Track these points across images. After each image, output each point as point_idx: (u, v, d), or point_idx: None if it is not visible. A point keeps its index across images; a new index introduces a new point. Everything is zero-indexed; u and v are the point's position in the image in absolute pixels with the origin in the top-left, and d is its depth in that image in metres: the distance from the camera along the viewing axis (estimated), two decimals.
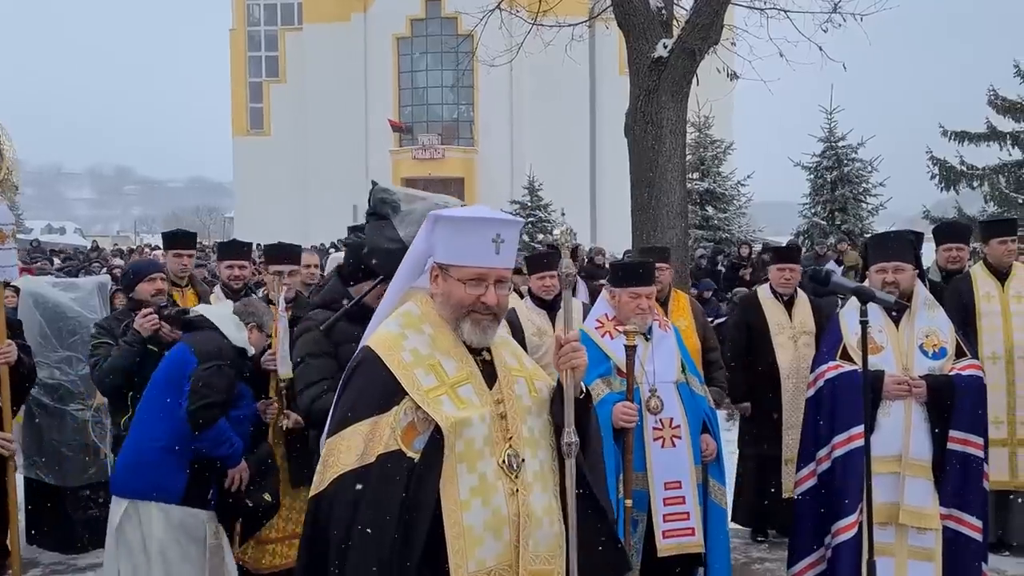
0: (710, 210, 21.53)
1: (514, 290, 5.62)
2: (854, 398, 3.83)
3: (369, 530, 2.13)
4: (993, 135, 20.76)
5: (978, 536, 3.88)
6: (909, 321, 4.00)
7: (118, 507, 3.82)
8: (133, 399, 4.39)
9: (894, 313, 3.97)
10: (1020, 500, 5.65)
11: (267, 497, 4.25)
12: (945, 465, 3.84)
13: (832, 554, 3.92)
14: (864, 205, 21.13)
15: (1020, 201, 19.62)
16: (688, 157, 9.79)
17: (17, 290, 6.43)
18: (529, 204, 27.94)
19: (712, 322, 6.90)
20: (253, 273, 6.37)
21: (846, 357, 4.03)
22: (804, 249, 16.60)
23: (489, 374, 2.33)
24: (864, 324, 3.21)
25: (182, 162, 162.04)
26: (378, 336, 2.34)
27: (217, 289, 5.40)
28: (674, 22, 8.68)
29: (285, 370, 4.72)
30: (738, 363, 5.88)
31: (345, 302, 3.63)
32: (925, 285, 4.16)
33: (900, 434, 3.85)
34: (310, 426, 3.82)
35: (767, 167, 27.39)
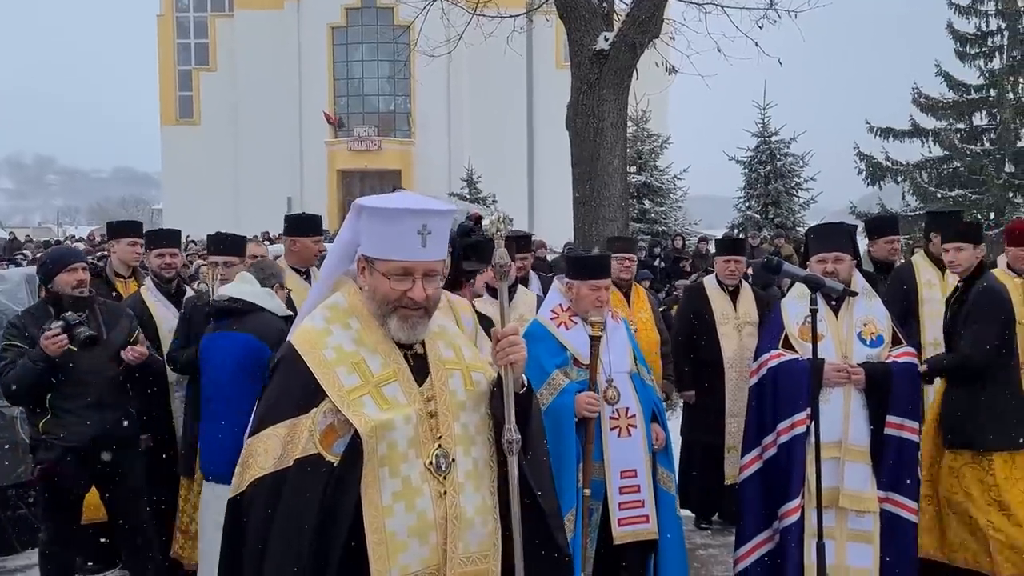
0: (647, 203, 21.84)
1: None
2: (797, 385, 3.93)
3: (285, 538, 2.05)
4: (916, 132, 21.48)
5: (913, 518, 4.02)
6: (848, 310, 4.11)
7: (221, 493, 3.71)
8: (51, 401, 4.24)
9: (834, 302, 4.08)
10: None
11: None
12: (882, 449, 3.95)
13: (780, 537, 4.01)
14: (796, 199, 21.72)
15: (939, 196, 20.35)
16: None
17: None
18: (468, 197, 27.90)
19: None
20: (185, 263, 6.24)
21: (787, 346, 4.12)
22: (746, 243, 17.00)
23: (421, 368, 2.23)
24: (814, 312, 3.28)
25: (107, 151, 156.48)
26: (301, 332, 2.24)
27: (148, 280, 5.23)
28: (615, 15, 8.75)
29: None
30: (683, 352, 5.97)
31: None
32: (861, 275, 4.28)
33: (840, 420, 3.95)
34: None
35: (702, 161, 27.87)
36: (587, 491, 3.66)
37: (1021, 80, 20.93)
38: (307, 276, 5.28)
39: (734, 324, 5.89)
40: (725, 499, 5.78)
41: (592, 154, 8.21)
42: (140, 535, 4.43)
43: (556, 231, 22.02)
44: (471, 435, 2.24)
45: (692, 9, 9.51)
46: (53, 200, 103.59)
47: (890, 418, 3.96)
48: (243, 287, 4.23)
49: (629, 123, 11.03)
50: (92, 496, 4.50)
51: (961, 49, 21.42)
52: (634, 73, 8.36)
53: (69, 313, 4.13)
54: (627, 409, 3.84)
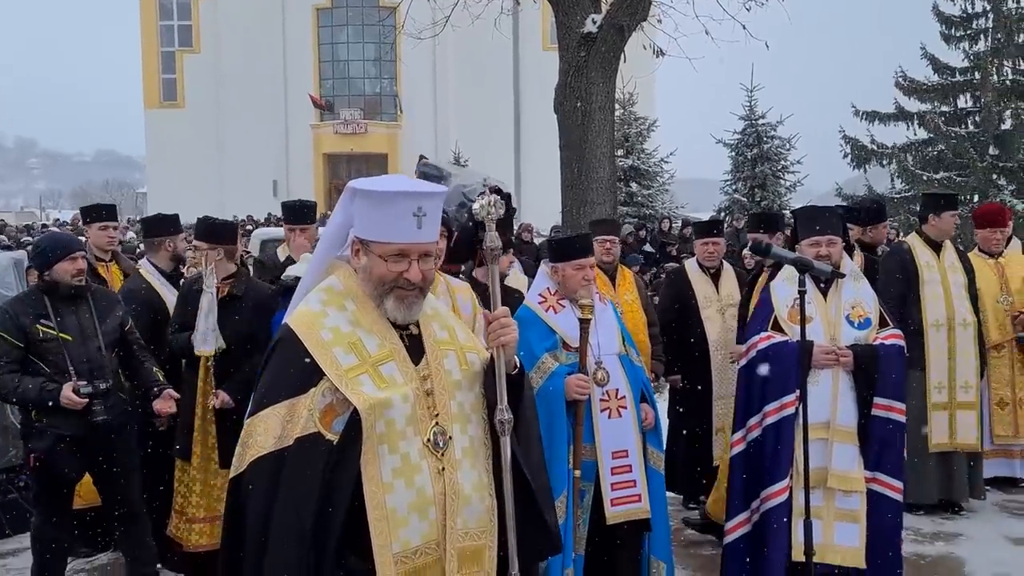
0: (634, 187, 21.86)
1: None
2: (786, 367, 3.97)
3: (286, 515, 2.09)
4: (901, 115, 21.54)
5: (898, 496, 4.08)
6: (836, 292, 4.14)
7: None
8: None
9: (823, 284, 4.12)
10: (931, 463, 5.94)
11: None
12: (869, 430, 4.00)
13: (760, 518, 4.05)
14: (783, 182, 21.78)
15: (925, 178, 20.46)
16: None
17: None
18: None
19: None
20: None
21: (777, 328, 4.16)
22: (724, 224, 17.03)
23: (416, 349, 2.27)
24: (803, 294, 3.32)
25: (89, 134, 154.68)
26: (298, 314, 2.26)
27: (144, 262, 5.25)
28: None
29: (207, 348, 4.61)
30: (669, 336, 6.00)
31: None
32: (852, 258, 4.32)
33: (828, 402, 4.00)
34: None
35: (690, 145, 27.93)
36: (577, 472, 3.69)
37: (1006, 63, 21.03)
38: None
39: (717, 307, 5.92)
40: (712, 481, 5.83)
41: (580, 137, 8.21)
42: (133, 518, 4.44)
43: (543, 214, 22.03)
44: (467, 414, 2.28)
45: None
46: (35, 184, 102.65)
47: (877, 399, 4.01)
48: (303, 267, 4.27)
49: (616, 106, 11.01)
50: (85, 481, 4.50)
51: (946, 32, 21.48)
52: (622, 56, 8.35)
53: (98, 386, 4.15)
54: (617, 390, 3.87)
